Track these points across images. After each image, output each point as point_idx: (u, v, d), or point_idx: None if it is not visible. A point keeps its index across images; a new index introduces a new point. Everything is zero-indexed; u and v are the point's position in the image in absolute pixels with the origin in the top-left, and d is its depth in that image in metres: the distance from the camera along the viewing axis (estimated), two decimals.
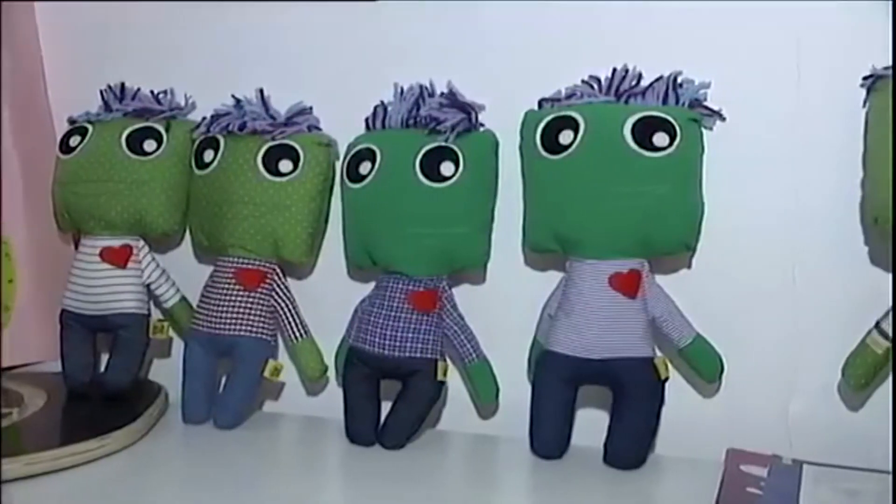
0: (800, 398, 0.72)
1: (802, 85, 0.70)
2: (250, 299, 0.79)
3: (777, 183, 0.71)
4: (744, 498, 0.60)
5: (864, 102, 0.66)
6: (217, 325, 0.79)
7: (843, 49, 0.68)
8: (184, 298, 0.85)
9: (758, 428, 0.71)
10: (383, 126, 0.79)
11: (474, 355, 0.76)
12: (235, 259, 0.80)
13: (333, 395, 0.80)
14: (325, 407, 0.83)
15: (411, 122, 0.77)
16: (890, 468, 0.64)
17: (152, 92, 0.86)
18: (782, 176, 0.71)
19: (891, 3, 0.64)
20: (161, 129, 0.83)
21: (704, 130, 0.71)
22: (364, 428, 0.75)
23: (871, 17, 0.67)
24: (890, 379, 0.65)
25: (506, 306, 0.79)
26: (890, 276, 0.68)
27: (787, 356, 0.72)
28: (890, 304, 0.64)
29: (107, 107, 0.85)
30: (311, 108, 0.82)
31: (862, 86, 0.66)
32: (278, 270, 0.81)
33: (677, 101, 0.71)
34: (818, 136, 0.70)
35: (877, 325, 0.64)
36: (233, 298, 0.79)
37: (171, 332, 0.84)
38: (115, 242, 0.82)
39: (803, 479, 0.63)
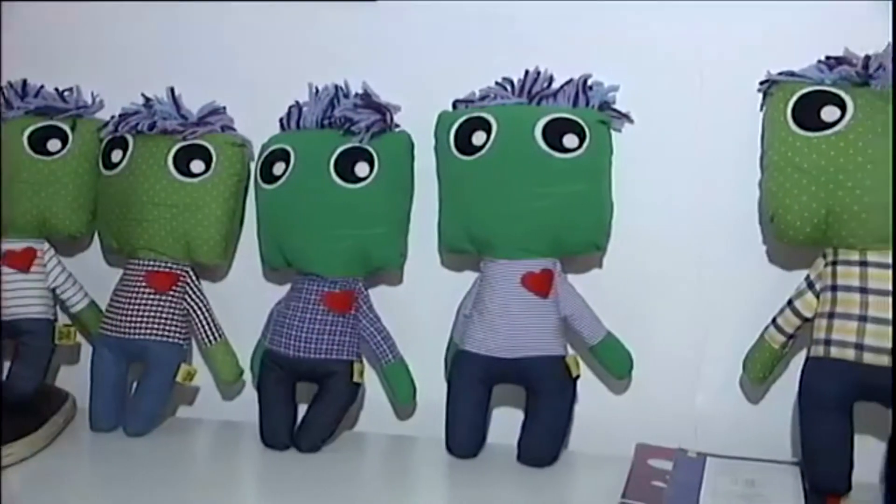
0: (705, 392, 0.74)
1: (705, 89, 0.72)
2: (162, 302, 0.77)
3: (682, 184, 0.73)
4: (649, 491, 0.62)
5: (762, 106, 0.69)
6: (127, 330, 0.77)
7: (742, 54, 0.70)
8: (93, 303, 0.83)
9: (666, 422, 0.73)
10: (298, 126, 0.78)
11: (391, 356, 0.76)
12: (146, 261, 0.78)
13: (250, 399, 0.79)
14: (241, 411, 0.82)
15: (326, 122, 0.77)
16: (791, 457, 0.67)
17: (57, 89, 0.83)
18: (687, 177, 0.73)
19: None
20: (66, 127, 0.80)
21: (613, 132, 0.73)
22: (279, 431, 0.74)
23: (769, 23, 0.70)
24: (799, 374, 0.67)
25: (423, 307, 0.79)
26: (786, 273, 0.70)
27: (693, 352, 0.74)
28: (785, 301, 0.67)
29: (7, 104, 0.82)
30: (224, 108, 0.81)
31: (759, 90, 0.69)
32: (191, 273, 0.79)
33: (587, 104, 0.72)
34: (720, 138, 0.72)
35: (773, 320, 0.67)
36: (143, 302, 0.77)
37: (80, 338, 0.82)
38: (18, 245, 0.79)
39: (706, 471, 0.65)
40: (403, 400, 0.78)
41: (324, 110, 0.77)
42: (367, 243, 0.75)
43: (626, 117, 0.73)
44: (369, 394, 0.81)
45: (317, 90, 0.78)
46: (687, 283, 0.73)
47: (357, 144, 0.75)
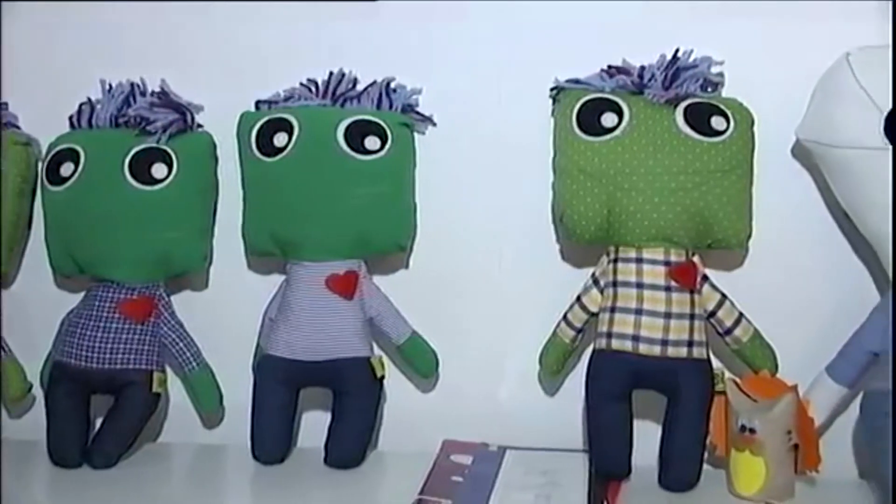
0: (507, 387, 0.76)
1: (504, 93, 0.74)
2: None
3: (483, 185, 0.75)
4: (447, 486, 0.64)
5: (552, 111, 0.72)
6: None
7: (538, 60, 0.73)
8: None
9: (473, 417, 0.75)
10: (90, 125, 0.74)
11: (194, 363, 0.74)
12: None
13: (41, 416, 0.74)
14: (31, 429, 0.76)
15: (121, 121, 0.74)
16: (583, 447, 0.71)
17: None
18: (488, 178, 0.75)
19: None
20: None
21: (417, 135, 0.74)
22: (69, 448, 0.70)
23: (563, 30, 0.73)
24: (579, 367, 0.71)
25: (229, 311, 0.77)
26: (578, 270, 0.74)
27: (496, 348, 0.76)
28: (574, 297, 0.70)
29: None
30: (6, 105, 0.75)
31: (550, 96, 0.72)
32: None
33: (391, 106, 0.73)
34: (518, 140, 0.74)
35: (564, 316, 0.70)
36: None
37: None
38: None
39: (504, 464, 0.68)
40: (209, 408, 0.75)
41: (118, 108, 0.74)
42: (167, 247, 0.72)
43: (429, 120, 0.74)
44: (174, 402, 0.78)
45: (110, 87, 0.74)
46: (488, 282, 0.76)
47: (154, 145, 0.72)
